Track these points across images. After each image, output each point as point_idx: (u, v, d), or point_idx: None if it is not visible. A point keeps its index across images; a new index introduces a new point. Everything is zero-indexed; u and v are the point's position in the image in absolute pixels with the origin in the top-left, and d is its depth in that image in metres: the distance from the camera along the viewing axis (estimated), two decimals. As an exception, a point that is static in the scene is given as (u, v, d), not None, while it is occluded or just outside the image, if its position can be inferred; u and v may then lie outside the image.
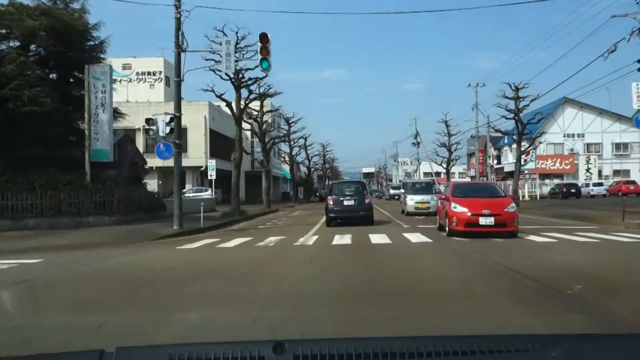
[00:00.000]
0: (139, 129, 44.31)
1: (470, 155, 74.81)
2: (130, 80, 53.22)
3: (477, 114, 49.73)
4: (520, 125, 30.28)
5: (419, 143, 79.01)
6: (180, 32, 16.66)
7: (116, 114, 21.20)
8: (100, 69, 19.07)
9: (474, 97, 49.57)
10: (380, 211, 28.71)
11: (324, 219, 21.47)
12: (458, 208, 12.36)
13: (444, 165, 49.30)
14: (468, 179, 74.79)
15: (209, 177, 33.38)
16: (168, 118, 16.11)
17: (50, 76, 20.27)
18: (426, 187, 21.40)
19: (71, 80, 20.67)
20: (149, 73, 53.07)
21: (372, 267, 8.16)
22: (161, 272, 8.35)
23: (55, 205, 17.76)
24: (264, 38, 16.23)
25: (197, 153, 43.46)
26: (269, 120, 38.33)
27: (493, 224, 11.90)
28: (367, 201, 17.96)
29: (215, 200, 41.03)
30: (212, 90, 23.70)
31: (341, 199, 17.86)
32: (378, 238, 13.01)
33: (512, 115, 30.49)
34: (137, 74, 52.37)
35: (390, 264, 8.58)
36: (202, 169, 44.02)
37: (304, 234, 14.72)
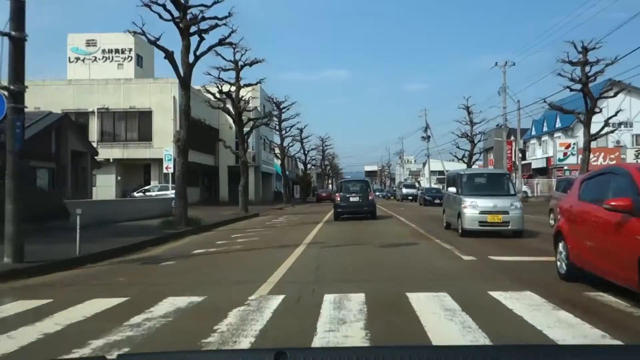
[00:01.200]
0: (93, 112, 36.03)
1: (488, 150, 66.06)
2: (95, 59, 44.84)
3: (504, 99, 41.56)
4: (590, 101, 21.81)
5: (429, 137, 70.80)
6: None
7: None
8: None
9: (501, 79, 41.55)
10: (397, 219, 20.27)
11: (310, 236, 13.27)
12: None
13: (465, 160, 40.94)
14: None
15: (165, 170, 25.04)
16: (-20, 35, 7.64)
17: None
18: (497, 183, 12.17)
19: None
20: (117, 51, 44.56)
21: None
22: None
23: None
24: None
25: (164, 142, 35.02)
26: (257, 106, 29.94)
27: None
28: (370, 198, 19.59)
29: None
30: (143, 33, 15.25)
31: (347, 195, 19.40)
32: (450, 329, 4.60)
33: (578, 87, 21.96)
34: (104, 51, 43.91)
35: None
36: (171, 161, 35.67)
37: (256, 283, 6.38)
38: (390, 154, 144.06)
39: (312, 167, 73.18)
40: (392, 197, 57.18)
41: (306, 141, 54.78)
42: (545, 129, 48.36)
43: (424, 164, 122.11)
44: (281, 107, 40.86)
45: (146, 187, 33.73)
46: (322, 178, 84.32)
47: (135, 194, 31.95)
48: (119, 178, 35.73)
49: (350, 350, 1.84)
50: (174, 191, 33.39)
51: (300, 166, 64.66)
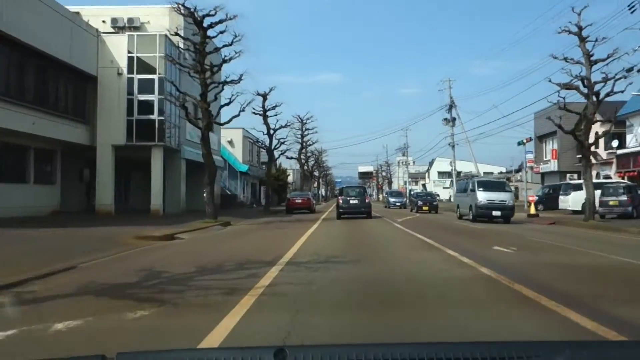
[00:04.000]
0: None
1: (543, 137, 45.26)
2: None
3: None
4: None
5: (454, 119, 49.61)
6: None
7: None
8: None
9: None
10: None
11: None
12: None
13: (588, 138, 20.22)
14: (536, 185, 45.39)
15: None
16: None
17: None
18: None
19: None
20: None
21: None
22: None
23: None
24: None
25: None
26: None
27: None
28: (367, 201, 25.33)
29: None
30: None
31: (348, 198, 24.75)
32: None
33: None
34: None
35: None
36: None
37: None
38: (388, 152, 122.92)
39: (291, 158, 52.22)
40: (424, 208, 32.10)
41: (272, 114, 33.82)
42: None
43: (431, 164, 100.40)
44: (202, 21, 19.68)
45: None
46: (305, 179, 62.82)
47: None
48: None
49: (349, 347, 1.69)
50: None
51: (290, 163, 43.33)
